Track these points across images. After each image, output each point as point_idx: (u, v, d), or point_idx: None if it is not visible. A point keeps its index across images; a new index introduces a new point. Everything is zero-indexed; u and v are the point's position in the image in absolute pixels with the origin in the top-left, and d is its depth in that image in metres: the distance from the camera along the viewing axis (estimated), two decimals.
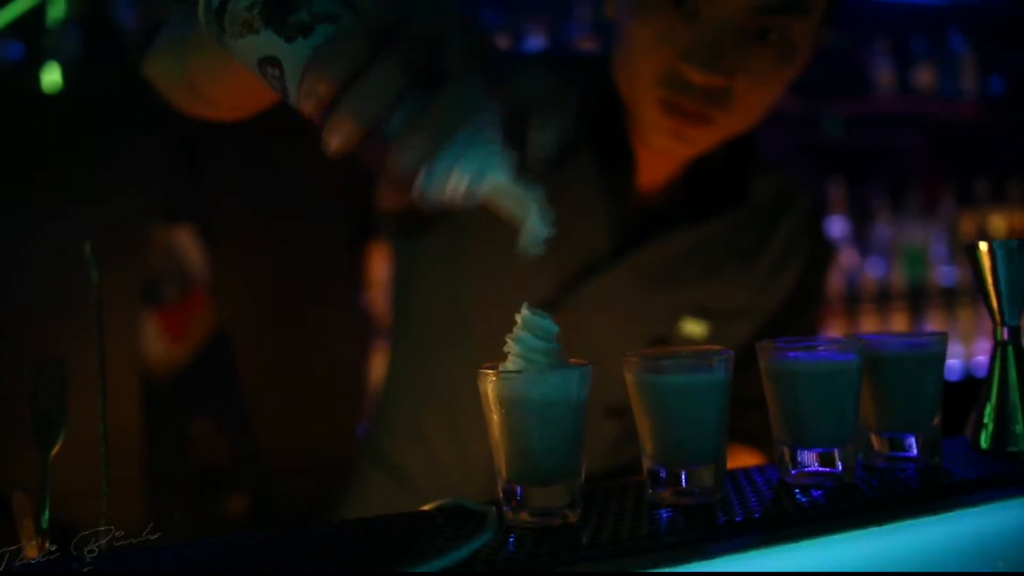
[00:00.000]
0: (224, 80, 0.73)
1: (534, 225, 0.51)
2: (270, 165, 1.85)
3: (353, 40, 0.48)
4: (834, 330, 2.44)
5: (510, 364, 0.55)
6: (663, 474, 0.58)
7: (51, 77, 1.76)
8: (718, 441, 0.58)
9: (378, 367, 1.95)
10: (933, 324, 2.57)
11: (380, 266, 2.04)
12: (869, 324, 2.50)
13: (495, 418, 0.55)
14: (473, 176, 0.50)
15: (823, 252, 1.16)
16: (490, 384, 0.55)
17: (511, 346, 0.55)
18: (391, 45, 0.48)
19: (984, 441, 0.72)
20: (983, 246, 0.71)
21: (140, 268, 1.69)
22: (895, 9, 2.60)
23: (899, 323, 2.55)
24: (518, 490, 0.55)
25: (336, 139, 0.48)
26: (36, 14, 1.82)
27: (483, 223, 1.00)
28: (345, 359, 1.84)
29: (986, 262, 0.71)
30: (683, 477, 0.57)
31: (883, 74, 2.60)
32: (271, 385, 1.77)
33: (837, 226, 2.57)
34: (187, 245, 1.72)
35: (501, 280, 1.01)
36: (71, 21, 1.82)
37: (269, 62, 0.51)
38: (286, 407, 1.76)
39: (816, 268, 1.13)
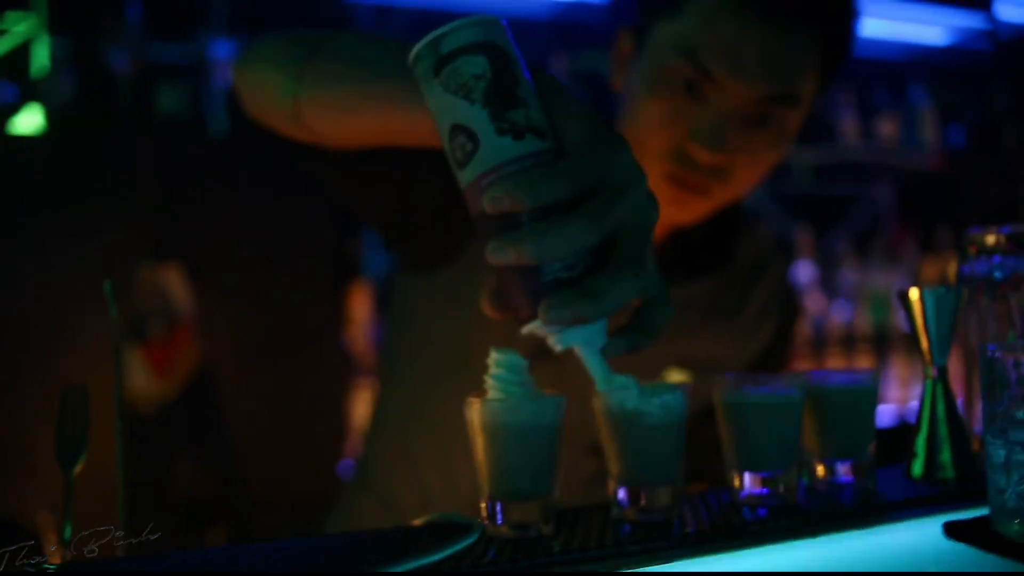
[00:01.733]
0: (340, 121, 0.81)
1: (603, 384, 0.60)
2: (257, 206, 1.94)
3: (563, 181, 0.52)
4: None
5: (491, 395, 0.64)
6: (626, 494, 0.66)
7: (34, 119, 1.84)
8: (675, 465, 0.67)
9: (358, 404, 2.02)
10: (896, 366, 2.68)
11: (360, 306, 2.12)
12: (836, 366, 2.60)
13: (479, 442, 0.63)
14: (579, 345, 0.57)
15: (794, 310, 1.29)
16: (476, 412, 0.63)
17: (490, 383, 0.63)
18: (592, 202, 0.52)
19: (916, 469, 0.81)
20: (914, 293, 0.81)
21: (127, 305, 1.76)
22: (859, 63, 2.73)
23: (864, 365, 2.66)
24: (498, 505, 0.63)
25: (501, 257, 0.52)
26: (24, 57, 1.91)
27: (491, 267, 1.08)
28: (326, 396, 1.91)
29: (917, 308, 0.81)
30: (643, 496, 0.65)
31: (848, 125, 2.74)
32: (253, 421, 1.83)
33: (805, 271, 2.69)
34: (174, 282, 1.80)
35: (502, 325, 1.09)
36: (64, 65, 1.90)
37: (466, 133, 0.54)
38: (268, 442, 1.83)
39: (788, 325, 1.26)
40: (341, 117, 0.81)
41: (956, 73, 3.00)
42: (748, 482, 0.70)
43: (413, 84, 0.61)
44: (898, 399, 2.63)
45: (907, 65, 2.96)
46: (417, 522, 0.68)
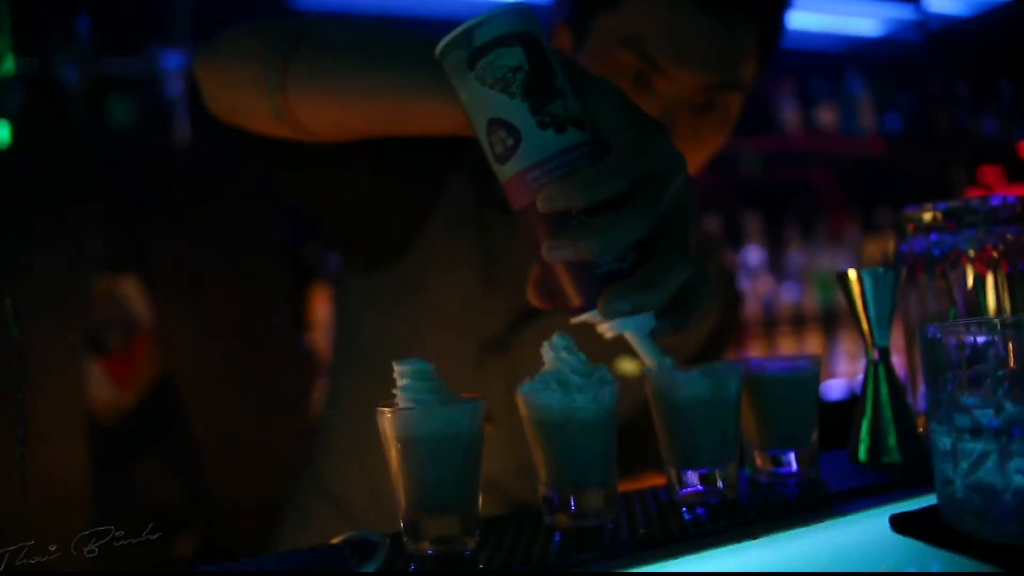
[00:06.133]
0: (336, 113, 0.72)
1: (655, 365, 0.58)
2: (214, 213, 1.84)
3: (616, 178, 0.49)
4: (754, 351, 2.48)
5: (401, 405, 0.55)
6: (556, 499, 0.58)
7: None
8: (607, 467, 0.59)
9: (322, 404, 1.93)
10: (844, 343, 2.63)
11: (322, 307, 2.03)
12: (786, 345, 2.55)
13: (392, 453, 0.55)
14: (629, 333, 0.55)
15: (736, 295, 1.26)
16: (386, 421, 0.55)
17: (400, 396, 0.55)
18: (641, 193, 0.50)
19: (862, 454, 0.74)
20: (852, 274, 0.73)
21: (84, 317, 1.66)
22: (798, 55, 2.68)
23: (813, 343, 2.61)
24: (416, 520, 0.55)
25: (560, 255, 0.50)
26: None
27: (442, 264, 1.02)
28: (290, 399, 1.82)
29: (856, 289, 0.74)
30: (572, 501, 0.57)
31: (790, 115, 2.68)
32: (218, 427, 1.74)
33: (754, 255, 2.63)
34: (131, 293, 1.70)
35: (454, 319, 1.02)
36: (16, 78, 1.79)
37: (506, 128, 0.51)
38: (233, 448, 1.73)
39: (732, 309, 1.23)
40: (338, 109, 0.72)
41: (890, 62, 2.95)
42: (686, 479, 0.62)
43: (429, 70, 0.57)
44: (847, 374, 2.58)
45: (844, 56, 2.90)
46: (335, 540, 0.60)
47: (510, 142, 0.51)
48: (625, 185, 0.50)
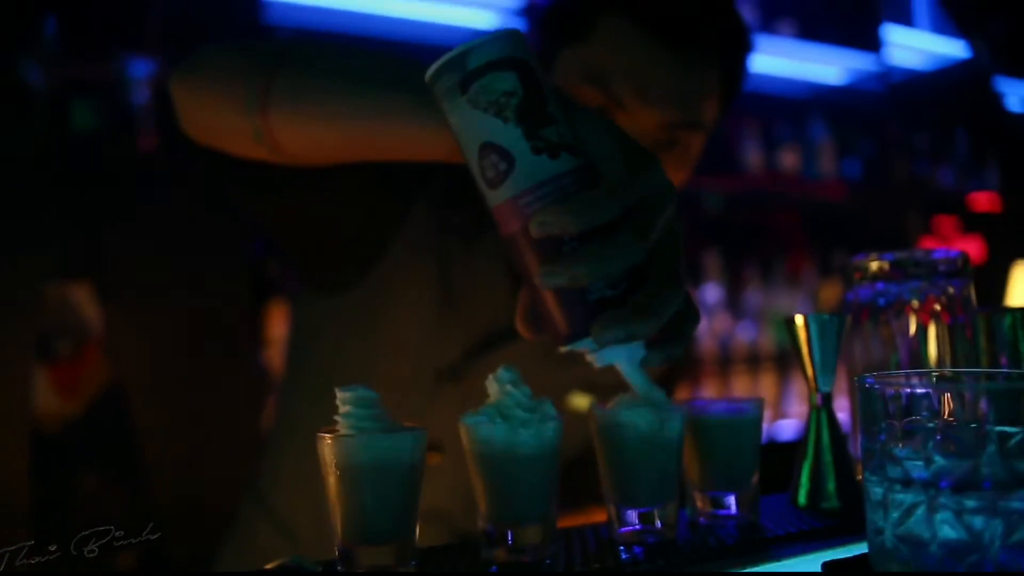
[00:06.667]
0: (318, 135, 0.70)
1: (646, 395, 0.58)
2: (172, 225, 1.81)
3: (610, 204, 0.49)
4: (708, 390, 2.50)
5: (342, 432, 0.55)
6: (494, 532, 0.58)
7: None
8: (547, 502, 0.59)
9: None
10: (797, 384, 2.66)
11: (279, 325, 2.00)
12: (740, 384, 2.57)
13: (331, 480, 0.54)
14: (619, 363, 0.55)
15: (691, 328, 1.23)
16: (326, 447, 0.54)
17: (341, 423, 0.55)
18: (634, 221, 0.50)
19: (801, 498, 0.75)
20: (799, 319, 0.75)
21: (33, 323, 1.62)
22: (762, 99, 2.74)
23: (768, 382, 2.63)
24: (350, 550, 0.54)
25: (554, 281, 0.49)
26: None
27: (400, 290, 1.01)
28: (242, 416, 1.79)
29: (802, 334, 0.75)
30: (510, 535, 0.57)
31: (753, 157, 2.72)
32: (165, 441, 1.70)
33: (712, 293, 2.66)
34: (82, 301, 1.66)
35: (410, 346, 1.01)
36: None
37: (498, 152, 0.50)
38: (180, 463, 1.70)
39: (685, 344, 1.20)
40: (322, 131, 0.70)
41: (851, 110, 3.02)
42: (625, 517, 0.62)
43: (414, 94, 0.56)
44: (800, 415, 2.61)
45: (807, 102, 2.97)
46: (270, 566, 0.59)
47: (503, 167, 0.50)
48: (619, 211, 0.50)
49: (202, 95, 0.79)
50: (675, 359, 0.57)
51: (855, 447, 0.82)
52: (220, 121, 0.77)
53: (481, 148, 0.51)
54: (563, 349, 0.53)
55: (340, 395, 0.56)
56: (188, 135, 0.83)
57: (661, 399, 0.59)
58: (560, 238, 0.50)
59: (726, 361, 2.55)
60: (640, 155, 0.52)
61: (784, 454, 0.84)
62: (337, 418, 0.55)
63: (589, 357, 0.54)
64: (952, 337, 0.80)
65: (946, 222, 3.29)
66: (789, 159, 2.79)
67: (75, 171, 1.74)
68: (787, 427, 2.55)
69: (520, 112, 0.50)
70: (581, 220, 0.49)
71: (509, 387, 0.58)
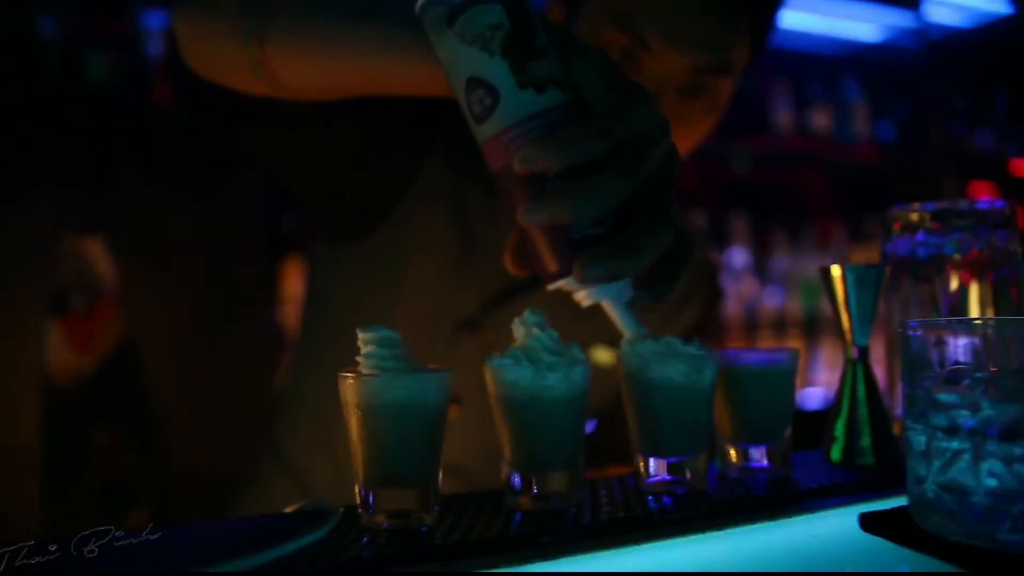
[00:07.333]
0: (317, 68, 0.71)
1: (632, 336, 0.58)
2: (188, 178, 1.81)
3: (595, 140, 0.49)
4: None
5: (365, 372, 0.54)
6: (519, 480, 0.57)
7: None
8: (574, 449, 0.58)
9: None
10: (826, 350, 2.64)
11: (295, 282, 2.01)
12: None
13: (353, 422, 0.54)
14: (607, 300, 0.55)
15: (717, 292, 1.25)
16: (348, 388, 0.54)
17: (363, 363, 0.54)
18: (622, 157, 0.49)
19: (835, 453, 0.74)
20: (835, 270, 0.73)
21: (48, 278, 1.63)
22: (794, 57, 2.69)
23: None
24: (372, 493, 0.54)
25: (536, 218, 0.49)
26: None
27: (417, 239, 1.01)
28: (256, 374, 1.80)
29: (839, 286, 0.73)
30: (535, 483, 0.57)
31: (783, 117, 2.69)
32: (178, 398, 1.72)
33: (739, 257, 2.63)
34: (97, 255, 1.67)
35: (427, 296, 1.01)
36: None
37: (484, 87, 0.50)
38: (193, 420, 1.71)
39: (712, 306, 1.23)
40: (320, 63, 0.71)
41: (887, 70, 2.97)
42: (653, 468, 0.61)
43: (411, 29, 0.56)
44: (826, 383, 2.60)
45: (840, 60, 2.91)
46: (289, 509, 0.59)
47: (488, 101, 0.50)
48: (605, 148, 0.49)
49: (201, 25, 0.80)
50: (665, 299, 0.56)
51: (889, 405, 0.81)
52: (219, 51, 0.78)
53: (468, 82, 0.51)
54: (550, 287, 0.53)
55: (362, 335, 0.55)
56: (191, 68, 0.83)
57: (647, 337, 0.59)
58: (545, 175, 0.49)
59: (752, 327, 2.54)
60: (632, 91, 0.51)
61: (811, 423, 0.82)
62: (359, 358, 0.55)
63: (576, 296, 0.54)
64: (996, 292, 0.78)
65: (983, 188, 3.23)
66: (821, 120, 2.75)
67: (90, 124, 1.74)
68: (814, 395, 2.53)
69: (506, 45, 0.50)
70: (565, 156, 0.48)
71: (536, 330, 0.57)
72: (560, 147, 0.49)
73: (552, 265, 0.52)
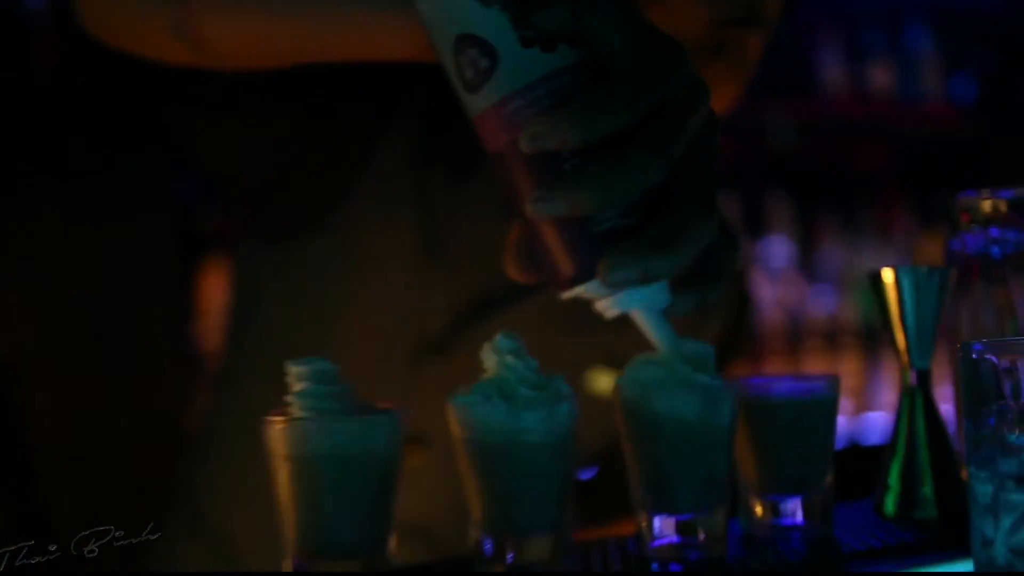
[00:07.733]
0: (254, 29, 0.72)
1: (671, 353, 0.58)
2: (79, 157, 1.81)
3: (619, 105, 0.49)
4: (773, 372, 2.51)
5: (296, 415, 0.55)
6: (490, 546, 0.58)
7: None
8: (557, 506, 0.59)
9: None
10: (889, 367, 2.66)
11: (217, 288, 2.01)
12: (814, 367, 2.57)
13: (281, 477, 0.55)
14: (637, 311, 0.54)
15: (744, 301, 1.27)
16: (275, 435, 0.55)
17: (295, 404, 0.55)
18: (653, 130, 0.49)
19: (889, 506, 0.75)
20: (887, 274, 0.74)
21: None
22: (847, 0, 2.72)
23: (850, 365, 2.64)
24: (306, 565, 0.55)
25: (550, 210, 0.49)
26: None
27: (370, 238, 1.02)
28: (165, 409, 1.80)
29: (891, 293, 0.75)
30: (510, 549, 0.58)
31: (833, 75, 2.71)
32: (64, 435, 1.72)
33: (779, 250, 2.66)
34: None
35: (382, 311, 1.02)
36: None
37: (479, 45, 0.50)
38: (83, 464, 1.71)
39: (740, 320, 1.23)
40: (261, 19, 0.72)
41: (963, 13, 2.99)
42: (659, 527, 0.62)
43: None
44: (891, 406, 2.62)
45: (904, 3, 2.94)
46: None
47: (484, 64, 0.50)
48: (633, 118, 0.49)
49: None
50: (710, 306, 0.56)
51: (959, 441, 0.83)
52: (127, 11, 0.78)
53: (457, 42, 0.51)
54: (566, 295, 0.53)
55: (293, 370, 0.56)
56: (88, 32, 0.83)
57: (693, 353, 0.59)
58: (558, 154, 0.49)
59: (796, 337, 2.56)
60: (662, 45, 0.52)
61: (871, 461, 0.83)
62: (289, 398, 0.56)
63: (600, 305, 0.54)
64: None
65: None
66: (880, 77, 2.77)
67: None
68: (876, 423, 2.55)
69: None
70: (584, 130, 0.48)
71: (510, 358, 0.58)
72: (577, 118, 0.48)
73: (569, 267, 0.51)
